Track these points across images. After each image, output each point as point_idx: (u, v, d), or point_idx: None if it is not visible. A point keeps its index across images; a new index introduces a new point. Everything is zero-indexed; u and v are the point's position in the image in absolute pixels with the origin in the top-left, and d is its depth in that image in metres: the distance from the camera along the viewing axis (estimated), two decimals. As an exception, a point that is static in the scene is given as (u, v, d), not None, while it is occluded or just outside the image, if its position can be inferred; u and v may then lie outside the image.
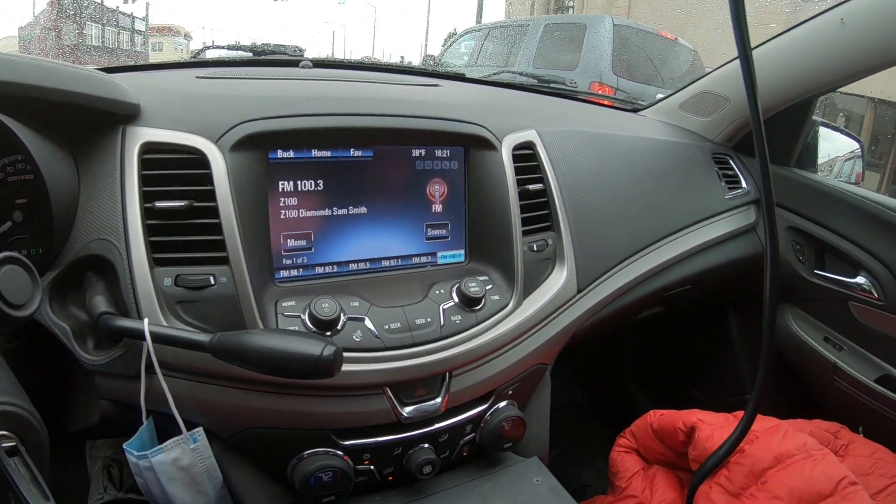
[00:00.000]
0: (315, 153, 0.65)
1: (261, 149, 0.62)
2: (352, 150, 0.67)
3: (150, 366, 0.55)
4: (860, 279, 1.10)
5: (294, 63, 0.91)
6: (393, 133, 0.68)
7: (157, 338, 0.52)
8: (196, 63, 0.92)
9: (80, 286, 0.57)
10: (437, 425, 0.67)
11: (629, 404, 1.34)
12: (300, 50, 0.98)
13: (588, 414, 1.47)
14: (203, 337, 0.52)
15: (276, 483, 0.66)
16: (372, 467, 0.66)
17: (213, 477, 0.62)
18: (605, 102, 1.09)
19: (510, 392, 0.73)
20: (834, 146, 1.42)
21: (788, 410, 1.12)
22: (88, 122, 0.58)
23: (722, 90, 1.10)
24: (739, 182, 1.11)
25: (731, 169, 1.11)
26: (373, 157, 0.68)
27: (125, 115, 0.59)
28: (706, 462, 0.50)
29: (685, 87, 1.12)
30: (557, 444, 1.24)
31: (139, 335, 0.52)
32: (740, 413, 0.91)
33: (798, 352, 1.18)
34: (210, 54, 1.06)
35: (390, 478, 0.69)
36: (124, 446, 0.58)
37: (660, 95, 1.19)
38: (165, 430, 0.58)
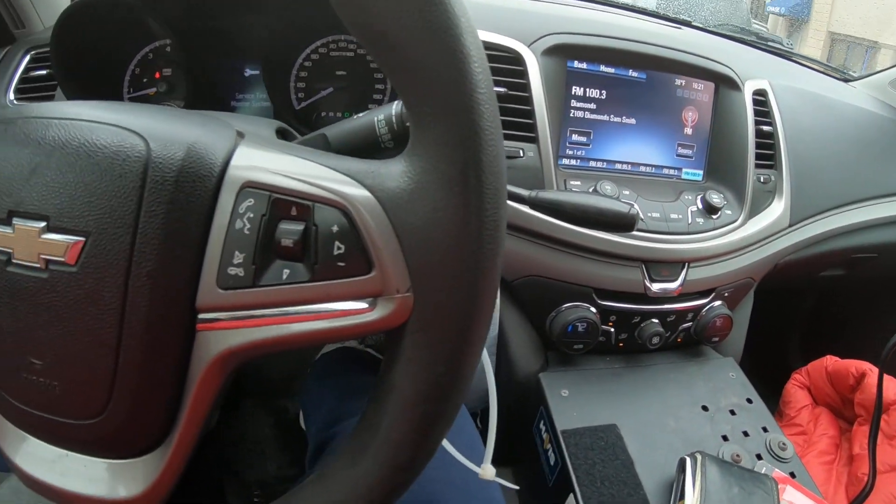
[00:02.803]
0: (602, 68, 0.79)
1: (562, 57, 0.77)
2: (630, 70, 0.81)
3: None
4: None
5: None
6: (664, 62, 0.81)
7: None
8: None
9: None
10: (669, 305, 0.80)
11: (783, 362, 1.40)
12: None
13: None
14: (523, 191, 0.63)
15: (534, 330, 0.82)
16: (612, 329, 0.81)
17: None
18: (816, 67, 1.16)
19: (725, 294, 0.85)
20: None
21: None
22: None
23: None
24: None
25: None
26: (645, 79, 0.81)
27: None
28: None
29: None
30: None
31: None
32: None
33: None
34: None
35: (621, 344, 0.83)
36: None
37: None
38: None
